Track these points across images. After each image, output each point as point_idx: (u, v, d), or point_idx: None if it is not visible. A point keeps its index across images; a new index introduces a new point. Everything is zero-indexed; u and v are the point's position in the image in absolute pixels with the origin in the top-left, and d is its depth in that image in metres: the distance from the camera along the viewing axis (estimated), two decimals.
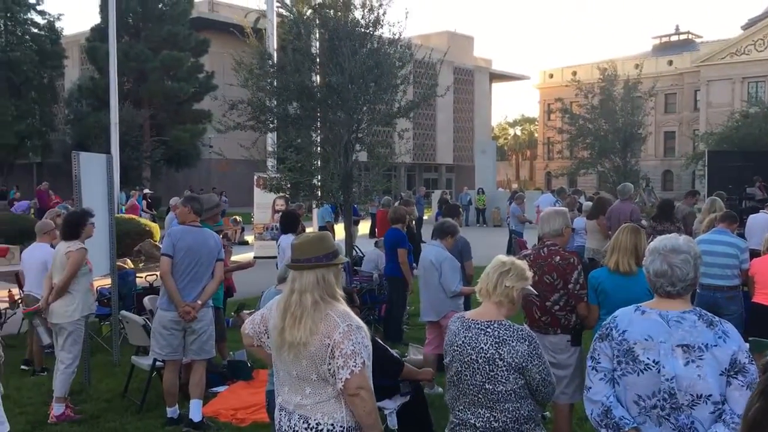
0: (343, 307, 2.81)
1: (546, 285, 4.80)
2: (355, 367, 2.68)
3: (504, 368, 3.20)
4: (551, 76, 69.87)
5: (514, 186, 50.44)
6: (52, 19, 39.14)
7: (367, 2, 10.72)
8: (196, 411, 5.72)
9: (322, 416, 2.77)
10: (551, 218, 5.09)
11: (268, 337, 3.00)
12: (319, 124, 11.62)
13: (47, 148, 39.39)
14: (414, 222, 18.82)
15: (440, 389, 6.32)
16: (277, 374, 2.92)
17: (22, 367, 7.57)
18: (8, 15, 37.67)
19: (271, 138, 13.55)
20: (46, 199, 24.24)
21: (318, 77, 11.53)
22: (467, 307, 6.37)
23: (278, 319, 2.83)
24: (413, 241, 10.59)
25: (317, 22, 11.12)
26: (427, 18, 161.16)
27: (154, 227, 17.74)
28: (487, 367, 3.23)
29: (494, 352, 3.22)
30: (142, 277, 9.91)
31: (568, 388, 4.75)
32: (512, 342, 3.22)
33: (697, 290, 6.84)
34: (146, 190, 28.90)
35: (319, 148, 11.99)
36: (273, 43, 13.64)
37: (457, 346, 3.35)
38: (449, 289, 6.42)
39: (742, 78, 55.90)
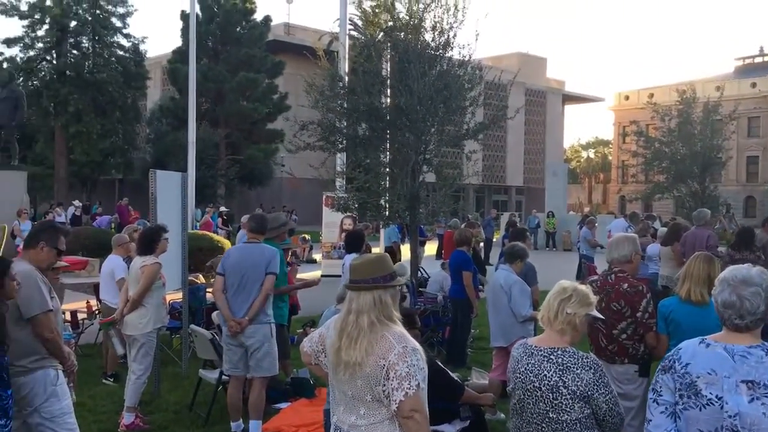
0: (400, 328, 2.82)
1: (613, 312, 4.69)
2: (409, 389, 2.67)
3: (568, 396, 3.14)
4: (627, 98, 68.36)
5: (586, 209, 49.42)
6: (136, 42, 41.03)
7: (438, 25, 10.78)
8: (254, 431, 5.80)
9: None
10: (620, 244, 4.98)
11: (325, 356, 3.04)
12: (387, 145, 11.72)
13: (128, 165, 41.12)
14: (482, 244, 18.71)
15: (502, 415, 6.22)
16: (333, 393, 2.95)
17: (104, 380, 7.77)
18: (96, 38, 39.71)
19: (340, 158, 13.75)
20: (126, 214, 25.27)
21: (387, 99, 11.66)
22: (536, 334, 6.26)
23: (335, 338, 2.86)
24: (478, 264, 10.51)
25: (388, 44, 11.26)
26: (500, 40, 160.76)
27: (226, 243, 18.18)
28: (550, 395, 3.18)
29: (558, 379, 3.16)
30: (211, 292, 10.15)
31: (635, 421, 4.59)
32: (577, 369, 3.16)
33: None
34: (222, 208, 29.70)
35: (387, 169, 12.08)
36: (345, 65, 13.89)
37: (519, 373, 3.31)
38: (519, 313, 6.32)
39: None
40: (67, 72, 38.63)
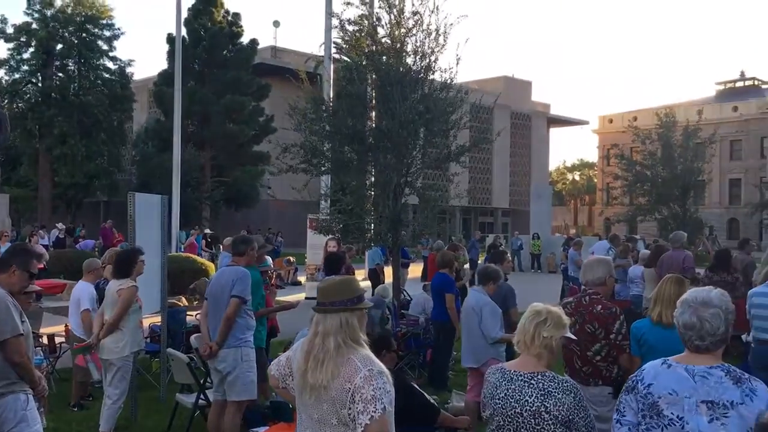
0: (366, 351, 2.82)
1: (587, 334, 4.71)
2: (375, 412, 2.66)
3: (550, 422, 3.13)
4: (611, 121, 69.10)
5: (572, 231, 49.64)
6: (123, 65, 41.14)
7: (419, 49, 10.92)
8: None
9: None
10: (594, 267, 5.02)
11: (292, 380, 3.03)
12: (371, 167, 11.79)
13: (114, 187, 40.96)
14: (467, 266, 18.72)
15: None
16: (300, 417, 2.94)
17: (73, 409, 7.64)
18: (82, 61, 39.79)
19: (324, 180, 13.79)
20: (110, 236, 25.11)
21: (371, 122, 11.75)
22: (510, 356, 6.27)
23: (301, 361, 2.86)
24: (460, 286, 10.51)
25: (370, 68, 11.37)
26: (486, 64, 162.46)
27: (210, 266, 18.11)
28: (533, 420, 3.17)
29: (540, 404, 3.16)
30: (192, 315, 10.11)
31: None
32: (558, 394, 3.16)
33: (752, 345, 6.58)
34: (207, 230, 29.59)
35: (370, 191, 12.13)
36: (329, 88, 14.00)
37: (499, 399, 3.28)
38: (489, 335, 6.34)
39: None
40: (53, 94, 38.65)
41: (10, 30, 38.70)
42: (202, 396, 6.41)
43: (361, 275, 16.77)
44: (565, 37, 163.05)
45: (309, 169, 11.59)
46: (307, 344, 2.88)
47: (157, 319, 8.94)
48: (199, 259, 18.88)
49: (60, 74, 40.26)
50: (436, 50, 10.97)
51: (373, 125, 11.68)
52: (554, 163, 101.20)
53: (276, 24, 54.74)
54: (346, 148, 11.56)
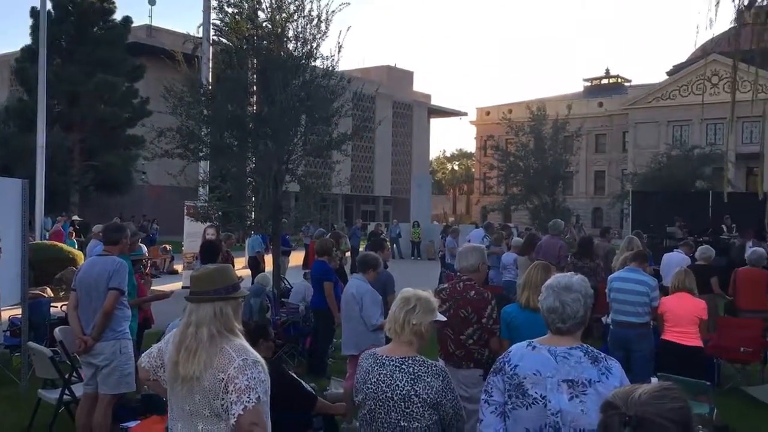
0: (240, 341, 2.78)
1: (461, 319, 4.88)
2: (248, 402, 2.63)
3: (419, 404, 3.21)
4: (488, 113, 71.45)
5: (450, 219, 51.10)
6: None
7: (300, 35, 10.79)
8: None
9: None
10: (468, 254, 5.20)
11: (164, 371, 2.94)
12: (251, 154, 11.55)
13: None
14: (348, 254, 18.83)
15: (357, 424, 6.28)
16: (171, 410, 2.86)
17: None
18: None
19: (202, 166, 13.39)
20: None
21: (251, 107, 11.50)
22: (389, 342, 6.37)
23: (173, 352, 2.78)
24: (341, 274, 10.57)
25: (251, 52, 11.12)
26: (368, 52, 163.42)
27: (78, 255, 17.17)
28: (402, 404, 3.23)
29: (410, 388, 3.23)
30: (57, 307, 9.55)
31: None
32: (427, 378, 3.24)
33: (611, 327, 7.05)
34: (75, 217, 27.99)
35: (249, 178, 11.90)
36: (208, 71, 13.55)
37: (371, 384, 3.33)
38: (369, 322, 6.41)
39: (668, 121, 58.32)
40: None
41: None
42: (67, 391, 6.08)
43: (241, 263, 16.47)
44: (446, 30, 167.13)
45: (186, 154, 11.18)
46: (179, 334, 2.80)
47: (18, 312, 8.39)
48: (65, 247, 17.84)
49: None
50: (317, 37, 10.86)
51: (254, 111, 11.45)
52: (434, 152, 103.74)
53: (152, 2, 52.15)
54: (226, 134, 11.25)
